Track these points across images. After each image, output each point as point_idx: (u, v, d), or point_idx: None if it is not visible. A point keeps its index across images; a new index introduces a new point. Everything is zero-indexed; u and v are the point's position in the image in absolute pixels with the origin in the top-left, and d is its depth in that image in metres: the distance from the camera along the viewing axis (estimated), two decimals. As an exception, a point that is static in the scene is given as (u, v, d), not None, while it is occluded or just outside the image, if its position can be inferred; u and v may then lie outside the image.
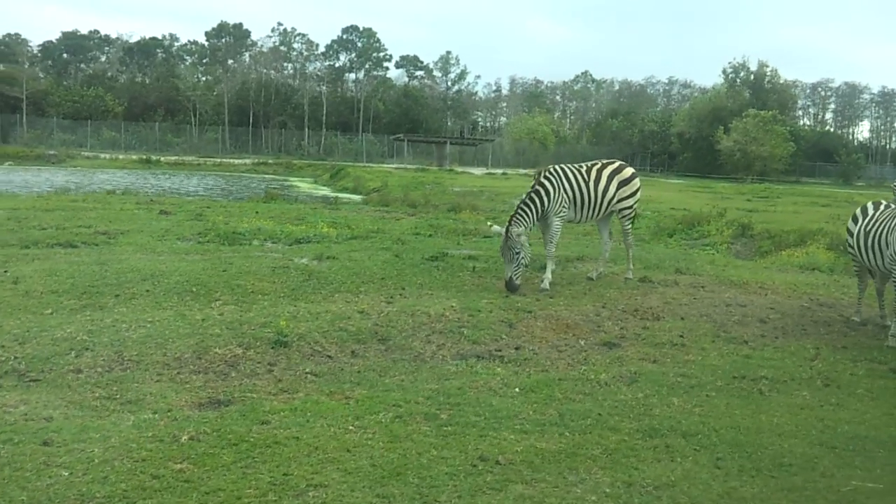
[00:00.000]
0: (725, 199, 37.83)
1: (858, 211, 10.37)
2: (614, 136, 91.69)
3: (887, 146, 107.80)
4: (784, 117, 75.14)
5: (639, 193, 11.94)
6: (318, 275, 10.87)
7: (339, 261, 11.95)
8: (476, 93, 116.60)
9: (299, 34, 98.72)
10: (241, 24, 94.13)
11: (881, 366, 7.90)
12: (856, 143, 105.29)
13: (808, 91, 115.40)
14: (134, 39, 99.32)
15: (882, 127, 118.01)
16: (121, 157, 66.10)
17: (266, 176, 57.97)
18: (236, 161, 70.06)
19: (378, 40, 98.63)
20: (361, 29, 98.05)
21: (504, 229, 10.61)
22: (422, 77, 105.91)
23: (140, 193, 26.86)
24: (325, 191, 42.85)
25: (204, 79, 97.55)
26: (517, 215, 10.80)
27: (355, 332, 8.22)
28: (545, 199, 10.92)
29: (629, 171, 11.81)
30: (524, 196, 11.07)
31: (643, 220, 25.06)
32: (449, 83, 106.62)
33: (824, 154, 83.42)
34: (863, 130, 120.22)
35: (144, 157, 65.68)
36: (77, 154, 66.42)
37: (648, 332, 8.97)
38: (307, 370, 7.12)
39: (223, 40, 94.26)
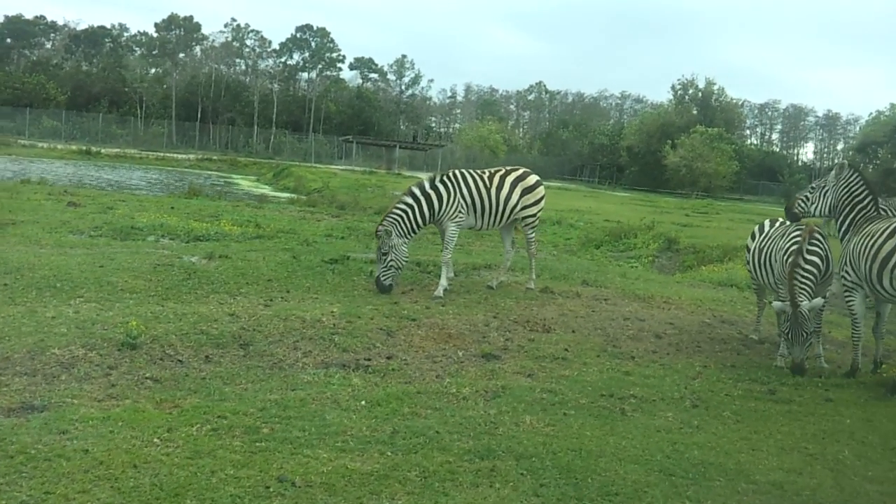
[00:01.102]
0: (664, 213, 38.07)
1: (756, 228, 10.20)
2: (564, 146, 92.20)
3: (830, 168, 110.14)
4: (730, 135, 76.22)
5: (543, 202, 11.59)
6: (201, 274, 10.33)
7: (231, 260, 11.42)
8: (431, 98, 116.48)
9: (252, 30, 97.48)
10: (191, 18, 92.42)
11: (761, 386, 7.66)
12: (800, 164, 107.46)
13: (756, 111, 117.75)
14: (81, 27, 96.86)
15: (825, 149, 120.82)
16: (60, 146, 64.01)
17: (209, 172, 56.59)
18: (180, 156, 68.43)
19: (332, 40, 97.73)
20: (315, 28, 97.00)
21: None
22: (376, 80, 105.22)
23: (58, 184, 25.82)
24: (265, 189, 41.96)
25: (153, 71, 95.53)
26: (389, 217, 10.44)
27: (216, 336, 7.71)
28: (436, 203, 10.55)
29: (533, 178, 11.47)
30: (402, 197, 10.71)
31: (574, 230, 24.96)
32: (403, 87, 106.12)
33: (769, 173, 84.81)
34: (807, 152, 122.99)
35: (85, 147, 63.70)
36: (13, 142, 64.16)
37: (533, 345, 8.62)
38: (148, 375, 6.59)
39: (173, 33, 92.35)
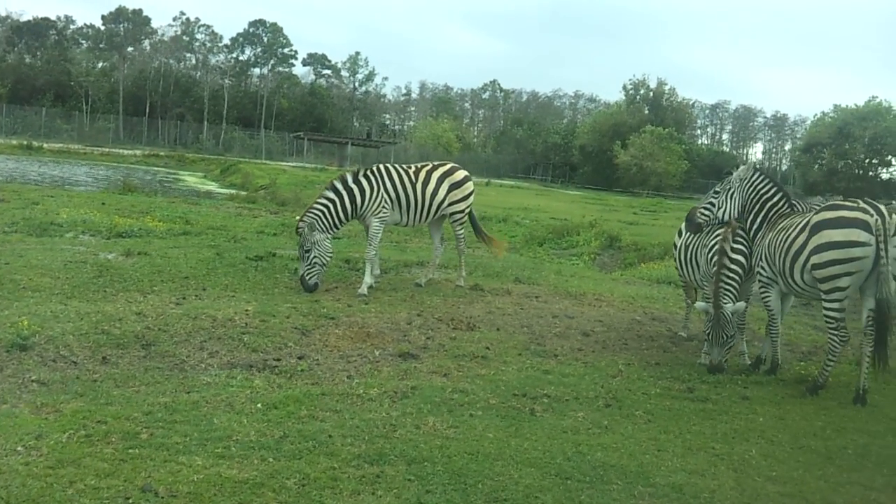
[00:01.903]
0: (613, 212, 38.25)
1: (683, 224, 10.10)
2: (518, 145, 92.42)
3: (778, 168, 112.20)
4: (680, 135, 77.11)
5: (472, 197, 11.34)
6: (114, 271, 9.91)
7: (149, 257, 11.01)
8: (385, 95, 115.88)
9: (203, 25, 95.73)
10: (140, 11, 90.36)
11: (681, 384, 7.53)
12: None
13: (707, 111, 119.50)
14: (24, 18, 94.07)
15: (774, 149, 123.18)
16: (0, 141, 62.19)
17: (156, 168, 55.35)
18: (126, 152, 66.95)
19: (285, 36, 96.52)
20: (268, 24, 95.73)
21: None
22: (329, 76, 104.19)
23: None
24: (211, 186, 41.17)
25: (100, 65, 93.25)
26: (310, 212, 10.13)
27: (118, 337, 7.33)
28: (359, 198, 10.27)
29: (461, 173, 11.23)
30: (323, 192, 10.41)
31: (519, 228, 24.85)
32: (356, 84, 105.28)
33: (718, 172, 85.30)
34: (756, 152, 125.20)
35: (25, 142, 61.87)
36: (-52, 136, 62.24)
37: (455, 343, 8.39)
38: (35, 378, 6.20)
39: (121, 26, 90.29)
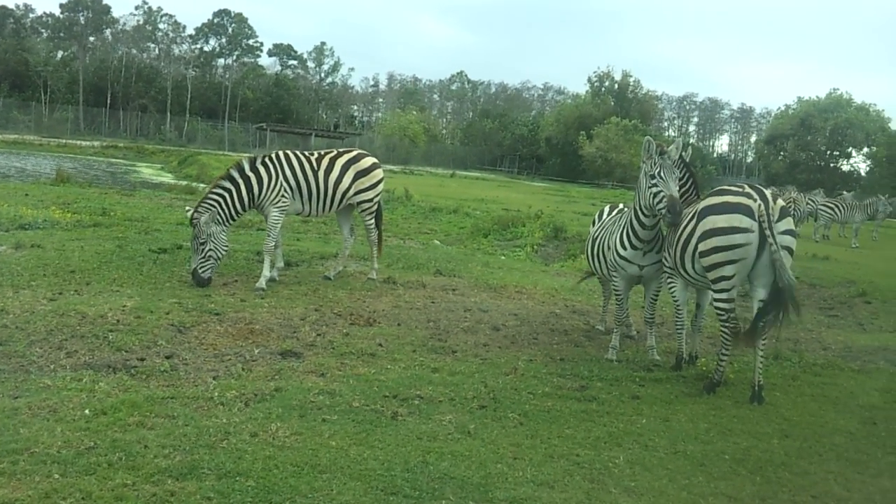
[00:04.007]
0: (572, 203, 37.98)
1: (596, 215, 9.69)
2: (486, 137, 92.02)
3: (743, 160, 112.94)
4: (646, 126, 77.11)
5: (381, 185, 10.81)
6: (-6, 265, 9.30)
7: (42, 250, 10.41)
8: (353, 86, 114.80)
9: (166, 14, 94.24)
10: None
11: (575, 382, 7.11)
12: (715, 156, 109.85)
13: (674, 104, 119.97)
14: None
15: (739, 141, 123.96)
16: (-49, 131, 60.68)
17: (113, 160, 54.18)
18: (84, 143, 65.50)
19: (250, 27, 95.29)
20: (233, 14, 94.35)
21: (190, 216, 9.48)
22: (295, 67, 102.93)
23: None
24: (166, 177, 40.24)
25: (60, 54, 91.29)
26: (205, 202, 9.57)
27: (-34, 335, 6.76)
28: (256, 187, 9.72)
29: (369, 160, 10.69)
30: (218, 181, 9.87)
31: (469, 219, 24.39)
32: (322, 75, 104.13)
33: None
34: (722, 144, 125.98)
35: (-24, 133, 60.42)
36: None
37: (346, 340, 7.90)
38: None
39: (81, 14, 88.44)
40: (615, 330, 8.51)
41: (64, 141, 66.17)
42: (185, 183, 32.70)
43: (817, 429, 6.23)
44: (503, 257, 16.84)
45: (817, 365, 8.60)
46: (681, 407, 6.51)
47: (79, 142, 66.31)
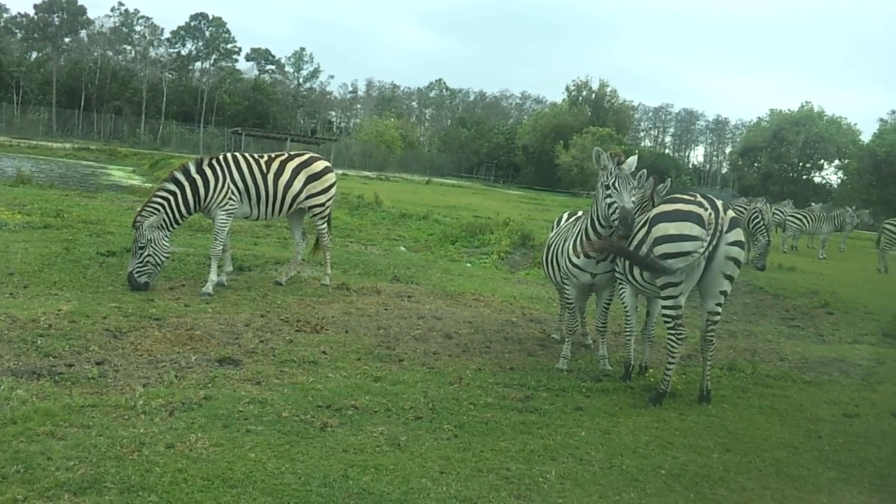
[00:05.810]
0: (545, 211, 37.98)
1: (555, 221, 9.56)
2: (463, 145, 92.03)
3: (718, 171, 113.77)
4: (621, 136, 77.49)
5: (333, 190, 10.59)
6: (-72, 266, 8.99)
7: (-18, 251, 10.10)
8: (331, 92, 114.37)
9: (142, 17, 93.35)
10: (74, 0, 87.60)
11: (520, 392, 6.94)
12: (690, 167, 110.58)
13: (650, 114, 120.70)
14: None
15: (714, 152, 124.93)
16: (-82, 132, 59.57)
17: (84, 162, 53.49)
18: (55, 145, 64.57)
19: (228, 31, 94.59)
20: (211, 17, 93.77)
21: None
22: (273, 72, 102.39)
23: None
24: (137, 180, 39.67)
25: (34, 55, 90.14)
26: (149, 206, 9.32)
27: None
28: (202, 190, 9.47)
29: (321, 164, 10.46)
30: (163, 184, 9.61)
31: (438, 226, 24.23)
32: (301, 80, 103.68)
33: (659, 174, 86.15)
34: (698, 154, 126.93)
35: (-57, 133, 59.33)
36: None
37: (289, 347, 7.68)
38: None
39: (55, 15, 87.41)
40: (567, 339, 8.36)
41: (35, 142, 65.18)
42: (151, 185, 32.32)
43: (760, 442, 6.10)
44: (468, 264, 16.69)
45: (770, 376, 8.50)
46: (623, 419, 6.36)
47: (50, 143, 65.34)
